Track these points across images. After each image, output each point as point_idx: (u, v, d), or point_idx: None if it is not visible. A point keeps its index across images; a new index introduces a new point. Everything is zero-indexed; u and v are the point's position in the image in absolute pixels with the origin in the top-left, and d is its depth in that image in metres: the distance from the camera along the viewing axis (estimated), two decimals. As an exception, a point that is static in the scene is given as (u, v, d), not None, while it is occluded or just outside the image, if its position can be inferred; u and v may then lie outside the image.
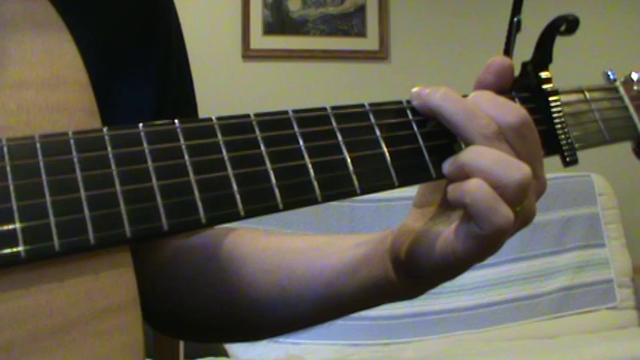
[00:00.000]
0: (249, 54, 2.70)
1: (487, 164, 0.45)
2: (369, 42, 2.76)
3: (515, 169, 0.45)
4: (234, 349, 2.15)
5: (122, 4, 0.61)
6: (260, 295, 0.57)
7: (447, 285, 2.18)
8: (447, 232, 0.47)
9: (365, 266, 0.53)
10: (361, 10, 2.75)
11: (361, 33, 2.76)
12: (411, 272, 0.50)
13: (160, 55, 0.63)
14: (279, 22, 2.72)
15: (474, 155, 0.46)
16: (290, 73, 2.74)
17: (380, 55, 2.77)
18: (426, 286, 0.53)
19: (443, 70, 2.74)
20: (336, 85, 2.74)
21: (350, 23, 2.75)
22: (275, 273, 0.57)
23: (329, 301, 0.55)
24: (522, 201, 0.46)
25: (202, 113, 0.67)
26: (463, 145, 0.48)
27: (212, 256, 0.60)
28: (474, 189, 0.45)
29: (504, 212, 0.45)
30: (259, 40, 2.70)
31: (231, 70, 2.70)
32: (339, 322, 2.23)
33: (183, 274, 0.61)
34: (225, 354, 2.09)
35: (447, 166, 0.48)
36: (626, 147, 0.62)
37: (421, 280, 0.52)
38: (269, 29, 2.71)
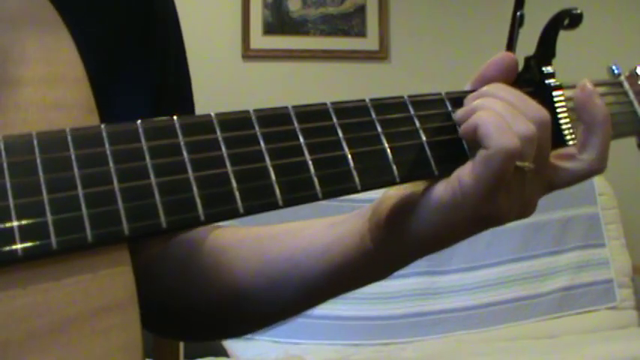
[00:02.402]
0: (249, 54, 2.69)
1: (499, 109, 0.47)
2: (369, 42, 2.76)
3: (522, 124, 0.47)
4: (234, 348, 2.14)
5: (121, 2, 0.60)
6: (239, 284, 0.58)
7: (447, 285, 2.16)
8: (453, 174, 0.48)
9: (337, 245, 0.53)
10: (361, 10, 2.75)
11: (361, 33, 2.76)
12: (393, 237, 0.50)
13: (158, 54, 0.63)
14: (279, 22, 2.71)
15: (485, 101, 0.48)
16: (290, 73, 2.74)
17: (380, 55, 2.77)
18: (405, 255, 0.52)
19: (443, 70, 2.73)
20: (336, 85, 2.74)
21: (350, 23, 2.75)
22: (249, 260, 0.57)
23: (305, 284, 0.55)
24: (530, 154, 0.47)
25: (202, 113, 0.67)
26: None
27: (194, 250, 0.60)
28: (486, 113, 0.47)
29: (511, 136, 0.46)
30: (259, 40, 2.69)
31: (231, 70, 2.70)
32: (339, 322, 2.23)
33: (169, 271, 0.61)
34: (225, 354, 2.09)
35: (459, 110, 0.49)
36: (626, 147, 0.62)
37: (402, 247, 0.51)
38: (269, 29, 2.70)
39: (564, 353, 2.06)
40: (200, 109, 0.67)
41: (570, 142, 0.53)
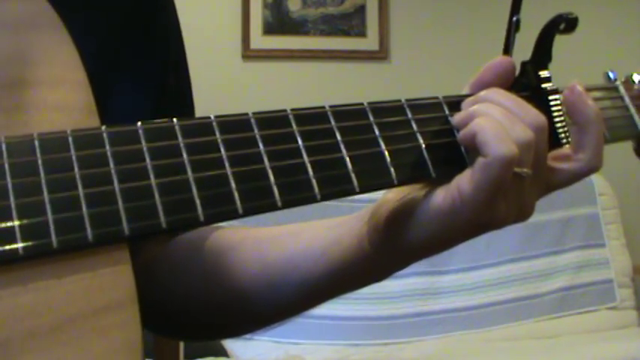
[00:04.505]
0: (249, 54, 2.70)
1: (496, 115, 0.48)
2: (369, 42, 2.76)
3: (520, 130, 0.47)
4: (234, 348, 2.15)
5: (121, 4, 0.61)
6: (239, 286, 0.58)
7: (447, 285, 2.16)
8: (452, 182, 0.48)
9: (335, 247, 0.54)
10: (361, 10, 2.75)
11: (361, 33, 2.76)
12: (390, 240, 0.51)
13: (158, 56, 0.63)
14: (279, 22, 2.71)
15: (484, 107, 0.49)
16: (290, 73, 2.74)
17: (380, 55, 2.77)
18: (402, 258, 0.53)
19: (443, 70, 2.73)
20: (336, 85, 2.74)
21: (350, 23, 2.75)
22: (249, 262, 0.58)
23: (304, 285, 0.56)
24: (528, 160, 0.47)
25: (201, 113, 0.67)
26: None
27: (194, 251, 0.61)
28: (484, 120, 0.47)
29: (509, 143, 0.46)
30: (259, 40, 2.70)
31: (231, 70, 2.70)
32: (339, 322, 2.23)
33: (168, 271, 0.61)
34: (225, 354, 2.09)
35: (457, 114, 0.50)
36: (625, 147, 0.62)
37: (400, 250, 0.51)
38: (269, 29, 2.71)
39: (564, 353, 2.06)
40: (200, 109, 0.67)
41: (566, 145, 0.53)
